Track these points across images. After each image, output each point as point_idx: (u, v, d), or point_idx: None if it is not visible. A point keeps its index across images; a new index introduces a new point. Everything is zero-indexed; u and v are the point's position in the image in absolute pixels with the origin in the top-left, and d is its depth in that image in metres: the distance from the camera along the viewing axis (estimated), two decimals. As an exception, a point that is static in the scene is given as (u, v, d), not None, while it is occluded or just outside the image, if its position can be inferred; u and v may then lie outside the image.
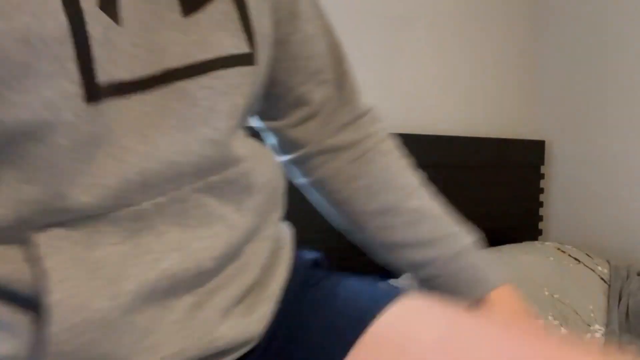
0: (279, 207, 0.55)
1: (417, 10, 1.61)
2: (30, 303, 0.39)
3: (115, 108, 0.38)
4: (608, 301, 1.54)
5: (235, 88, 0.44)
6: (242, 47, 0.45)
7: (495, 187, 1.86)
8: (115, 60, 0.38)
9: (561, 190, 2.05)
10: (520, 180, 1.99)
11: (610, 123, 1.90)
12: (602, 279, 1.61)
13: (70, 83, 0.36)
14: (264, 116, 0.61)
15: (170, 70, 0.41)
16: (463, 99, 1.79)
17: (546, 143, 2.07)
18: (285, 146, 0.62)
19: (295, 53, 0.56)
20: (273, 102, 0.58)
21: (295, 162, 0.63)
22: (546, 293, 1.44)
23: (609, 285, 1.59)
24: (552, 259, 1.62)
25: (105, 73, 0.37)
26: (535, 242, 1.87)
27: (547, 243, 1.77)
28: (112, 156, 0.39)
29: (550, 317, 1.35)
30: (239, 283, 0.48)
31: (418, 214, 0.60)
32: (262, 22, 0.48)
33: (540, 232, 2.08)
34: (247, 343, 0.48)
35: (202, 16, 0.43)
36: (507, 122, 1.97)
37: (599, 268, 1.65)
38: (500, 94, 1.92)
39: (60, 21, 0.34)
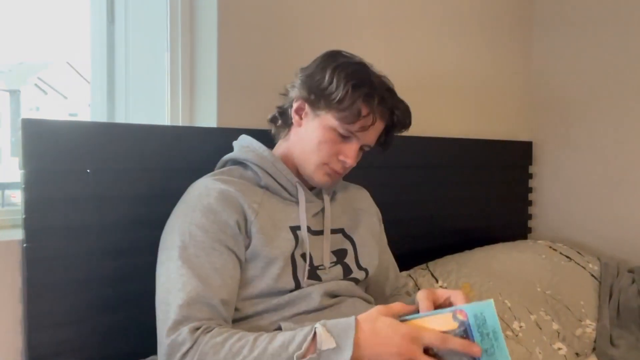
0: None
1: (412, 14, 1.63)
2: None
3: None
4: (599, 297, 1.56)
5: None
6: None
7: (486, 186, 1.88)
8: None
9: (550, 190, 2.08)
10: (510, 180, 2.01)
11: (596, 124, 1.94)
12: (592, 275, 1.63)
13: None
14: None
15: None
16: (455, 101, 1.81)
17: (534, 144, 2.10)
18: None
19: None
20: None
21: None
22: (538, 290, 1.46)
23: (600, 282, 1.61)
24: (544, 256, 1.64)
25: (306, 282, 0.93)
26: (528, 240, 1.89)
27: (539, 241, 1.79)
28: None
29: (542, 313, 1.37)
30: None
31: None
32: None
33: (530, 230, 2.11)
34: None
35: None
36: (497, 124, 1.99)
37: (590, 265, 1.67)
38: (490, 96, 1.95)
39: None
